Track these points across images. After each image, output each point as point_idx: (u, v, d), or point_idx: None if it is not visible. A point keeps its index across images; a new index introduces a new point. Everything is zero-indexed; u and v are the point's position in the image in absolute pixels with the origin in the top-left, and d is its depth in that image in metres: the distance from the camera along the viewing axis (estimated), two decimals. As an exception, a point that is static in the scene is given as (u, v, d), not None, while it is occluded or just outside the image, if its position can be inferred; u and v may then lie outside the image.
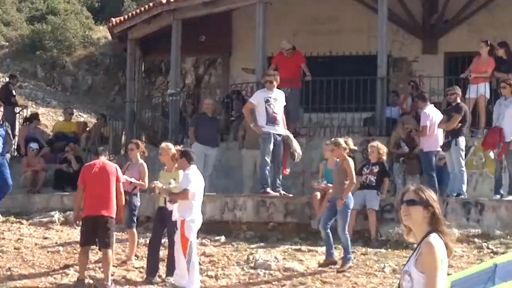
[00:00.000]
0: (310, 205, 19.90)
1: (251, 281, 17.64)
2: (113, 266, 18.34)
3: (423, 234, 7.52)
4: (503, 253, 15.54)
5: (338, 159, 18.20)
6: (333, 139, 19.19)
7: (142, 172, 18.59)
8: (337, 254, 18.05)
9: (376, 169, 19.57)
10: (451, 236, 7.68)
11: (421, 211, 7.66)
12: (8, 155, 20.97)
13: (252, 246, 19.24)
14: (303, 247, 18.97)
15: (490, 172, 21.19)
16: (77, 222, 18.65)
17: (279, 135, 21.04)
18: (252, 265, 18.25)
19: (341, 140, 18.31)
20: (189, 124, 25.11)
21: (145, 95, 29.33)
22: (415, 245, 7.49)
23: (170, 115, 26.25)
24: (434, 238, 7.42)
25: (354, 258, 18.33)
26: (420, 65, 26.50)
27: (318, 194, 19.82)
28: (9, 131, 21.72)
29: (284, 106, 21.57)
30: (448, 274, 12.92)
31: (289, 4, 24.96)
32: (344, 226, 17.56)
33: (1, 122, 21.51)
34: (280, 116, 21.30)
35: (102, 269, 17.67)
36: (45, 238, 19.87)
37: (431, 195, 7.79)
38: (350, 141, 18.57)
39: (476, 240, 18.87)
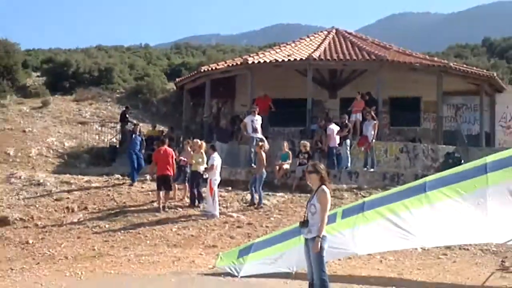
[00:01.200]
0: (273, 172, 19.76)
1: (243, 209, 17.60)
2: (175, 202, 18.34)
3: (317, 186, 8.06)
4: (368, 196, 15.56)
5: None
6: (255, 143, 20.00)
7: (190, 156, 18.32)
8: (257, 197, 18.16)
9: (306, 155, 19.34)
10: (331, 187, 8.34)
11: (315, 176, 8.09)
12: (143, 151, 21.04)
13: (245, 192, 18.91)
14: (270, 193, 18.73)
15: (362, 157, 21.06)
16: (153, 175, 18.98)
17: (258, 138, 20.78)
18: (244, 201, 18.20)
19: (260, 143, 18.92)
20: (214, 132, 25.10)
21: (192, 118, 29.07)
22: (313, 192, 8.09)
23: (204, 128, 26.08)
24: (325, 188, 8.01)
25: (294, 199, 18.36)
26: (328, 104, 26.33)
27: (277, 167, 19.85)
28: (143, 138, 21.84)
29: (261, 124, 21.39)
30: (340, 206, 12.95)
31: (263, 73, 24.84)
32: (259, 186, 17.80)
33: (139, 134, 21.54)
34: (259, 128, 21.12)
35: (164, 200, 17.79)
36: (142, 187, 19.66)
37: (320, 166, 8.39)
38: (266, 144, 19.12)
39: (354, 190, 18.75)
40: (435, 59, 27.65)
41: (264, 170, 18.07)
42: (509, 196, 11.02)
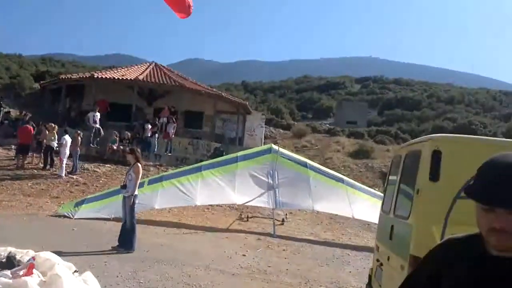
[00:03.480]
0: (105, 150, 18.57)
1: (81, 172, 16.01)
2: (33, 166, 16.29)
3: (134, 162, 7.53)
4: (166, 171, 15.24)
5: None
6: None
7: (45, 135, 16.18)
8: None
9: (128, 141, 18.31)
10: (143, 164, 8.01)
11: (132, 156, 7.71)
12: None
13: (82, 162, 16.95)
14: (101, 164, 17.30)
15: (164, 145, 20.53)
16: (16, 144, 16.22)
17: (97, 127, 19.33)
18: (83, 168, 16.54)
19: (77, 131, 16.78)
20: (66, 121, 22.78)
21: (52, 109, 25.88)
22: (131, 165, 7.62)
23: (59, 117, 23.60)
24: (138, 164, 7.52)
25: (118, 169, 16.94)
26: (146, 110, 24.71)
27: (108, 147, 18.53)
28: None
29: (99, 118, 19.83)
30: (147, 177, 12.55)
31: (104, 85, 22.98)
32: (76, 159, 15.88)
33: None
34: (98, 121, 19.55)
35: (23, 162, 15.68)
36: (8, 153, 17.22)
37: (137, 150, 7.98)
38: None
39: (158, 166, 17.69)
40: (214, 89, 28.22)
41: (78, 149, 16.09)
42: (248, 176, 11.75)
